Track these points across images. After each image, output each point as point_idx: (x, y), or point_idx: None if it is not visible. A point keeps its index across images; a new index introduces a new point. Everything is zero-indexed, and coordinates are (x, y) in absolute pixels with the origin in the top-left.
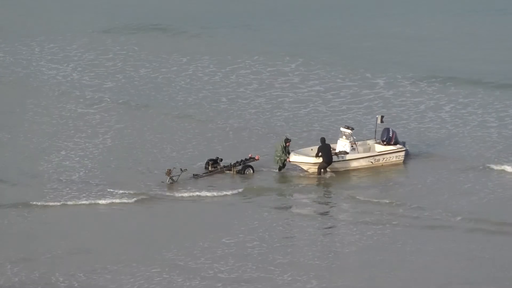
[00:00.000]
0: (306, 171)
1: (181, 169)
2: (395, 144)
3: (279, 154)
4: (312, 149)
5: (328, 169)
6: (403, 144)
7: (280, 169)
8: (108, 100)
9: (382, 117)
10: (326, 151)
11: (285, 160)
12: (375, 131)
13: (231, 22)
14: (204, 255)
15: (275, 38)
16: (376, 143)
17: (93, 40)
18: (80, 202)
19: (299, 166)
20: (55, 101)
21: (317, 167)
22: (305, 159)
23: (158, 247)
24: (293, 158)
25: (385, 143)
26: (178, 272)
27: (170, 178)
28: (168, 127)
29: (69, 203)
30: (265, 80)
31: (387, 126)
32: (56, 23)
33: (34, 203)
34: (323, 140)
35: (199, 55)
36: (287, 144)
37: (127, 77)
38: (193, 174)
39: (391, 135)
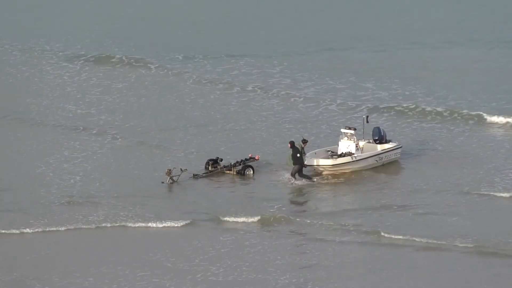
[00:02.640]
0: (321, 173)
1: (181, 169)
2: (386, 142)
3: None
4: (316, 153)
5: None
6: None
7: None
8: (111, 99)
9: (367, 117)
10: (300, 153)
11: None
12: (363, 132)
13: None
14: (198, 256)
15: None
16: (367, 143)
17: (98, 40)
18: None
19: (314, 169)
20: (58, 100)
21: (331, 170)
22: (322, 162)
23: (146, 248)
24: (309, 161)
25: (377, 142)
26: (170, 276)
27: (170, 178)
28: (170, 127)
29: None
30: (266, 82)
31: (376, 125)
32: (59, 25)
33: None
34: (293, 143)
35: (203, 54)
36: (305, 144)
37: (138, 75)
38: (193, 174)
39: (382, 134)
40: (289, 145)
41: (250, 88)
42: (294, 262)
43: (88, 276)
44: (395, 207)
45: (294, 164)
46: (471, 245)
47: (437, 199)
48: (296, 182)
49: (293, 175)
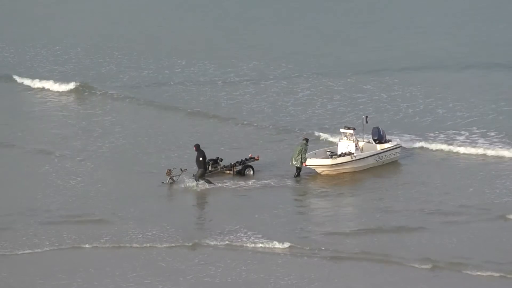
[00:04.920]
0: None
1: (181, 169)
2: (385, 142)
3: (299, 156)
4: (315, 153)
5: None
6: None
7: (298, 170)
8: (110, 101)
9: (366, 117)
10: (204, 157)
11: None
12: (362, 132)
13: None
14: (196, 256)
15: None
16: (367, 143)
17: (97, 42)
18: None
19: (314, 169)
20: (56, 102)
21: (319, 170)
22: (321, 162)
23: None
24: (309, 161)
25: (377, 142)
26: (164, 277)
27: (170, 178)
28: (169, 128)
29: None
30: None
31: (375, 125)
32: (60, 27)
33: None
34: (198, 146)
35: (199, 57)
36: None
37: (132, 76)
38: (193, 175)
39: (382, 134)
40: (194, 148)
41: (249, 89)
42: (296, 261)
43: (75, 277)
44: (397, 223)
45: (198, 167)
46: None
47: (444, 217)
48: (200, 185)
49: (197, 179)
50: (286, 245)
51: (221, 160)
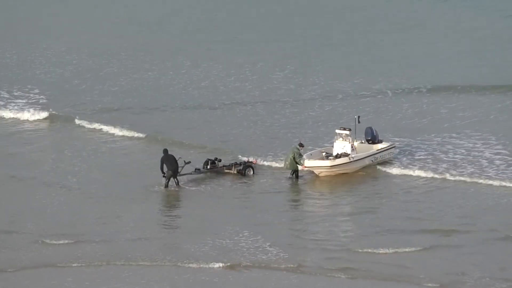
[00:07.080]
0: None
1: (184, 161)
2: (378, 142)
3: (292, 161)
4: (311, 154)
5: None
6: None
7: (293, 174)
8: (106, 105)
9: (358, 117)
10: (171, 161)
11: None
12: (355, 132)
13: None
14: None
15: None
16: (360, 143)
17: (96, 46)
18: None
19: (312, 171)
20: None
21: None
22: (320, 163)
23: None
24: (307, 163)
25: (370, 142)
26: (162, 277)
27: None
28: (168, 128)
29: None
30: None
31: (368, 126)
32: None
33: None
34: (165, 151)
35: (200, 60)
36: (301, 148)
37: (129, 79)
38: (195, 169)
39: (375, 134)
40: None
41: (248, 88)
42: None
43: (67, 276)
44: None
45: (169, 169)
46: None
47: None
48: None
49: (168, 179)
50: (294, 261)
51: (220, 160)
